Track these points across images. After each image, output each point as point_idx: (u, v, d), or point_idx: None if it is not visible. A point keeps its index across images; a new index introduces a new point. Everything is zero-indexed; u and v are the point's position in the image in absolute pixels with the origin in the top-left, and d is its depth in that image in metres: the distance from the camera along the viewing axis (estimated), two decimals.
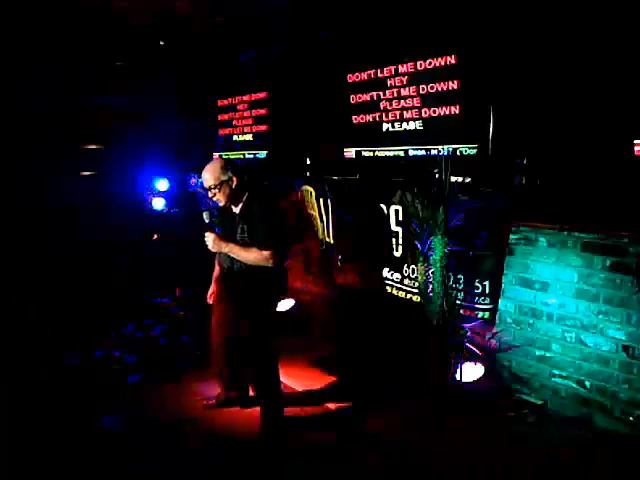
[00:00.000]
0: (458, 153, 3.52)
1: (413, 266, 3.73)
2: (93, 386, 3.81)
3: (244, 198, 3.18)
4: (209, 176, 3.11)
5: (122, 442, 3.10)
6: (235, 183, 3.13)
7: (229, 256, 3.14)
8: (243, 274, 3.12)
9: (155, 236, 6.32)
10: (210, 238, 3.11)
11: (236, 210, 3.20)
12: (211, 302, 3.47)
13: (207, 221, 3.15)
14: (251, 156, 5.59)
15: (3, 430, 3.18)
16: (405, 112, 3.89)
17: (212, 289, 3.48)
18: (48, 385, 3.77)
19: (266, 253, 3.03)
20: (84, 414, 3.40)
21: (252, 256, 3.06)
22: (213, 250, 3.17)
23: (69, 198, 5.92)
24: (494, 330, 3.43)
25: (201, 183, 3.29)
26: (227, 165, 3.17)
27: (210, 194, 3.15)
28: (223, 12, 4.98)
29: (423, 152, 3.80)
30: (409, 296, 3.83)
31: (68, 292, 5.25)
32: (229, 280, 3.25)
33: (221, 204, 3.17)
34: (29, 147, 5.68)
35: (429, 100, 3.71)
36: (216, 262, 3.40)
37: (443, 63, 3.56)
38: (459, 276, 3.46)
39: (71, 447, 3.05)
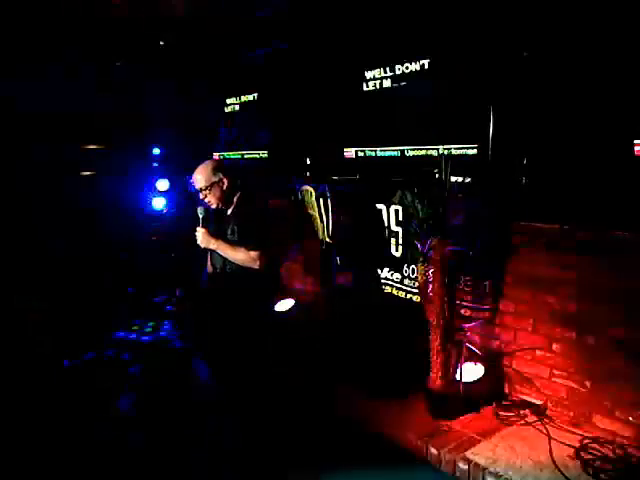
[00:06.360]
0: (458, 153, 3.52)
1: (413, 266, 3.73)
2: (92, 387, 3.81)
3: (236, 199, 3.17)
4: (200, 177, 3.10)
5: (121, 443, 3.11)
6: (226, 185, 3.11)
7: (221, 256, 3.13)
8: (235, 274, 3.10)
9: (154, 236, 6.31)
10: (200, 233, 3.12)
11: (228, 211, 3.19)
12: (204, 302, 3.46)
13: (201, 217, 3.14)
14: (251, 156, 5.58)
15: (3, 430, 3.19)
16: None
17: (203, 290, 3.46)
18: (48, 386, 3.77)
19: (253, 254, 3.01)
20: (84, 415, 3.40)
21: (239, 255, 3.05)
22: (202, 245, 3.16)
23: (68, 198, 5.92)
24: (494, 330, 3.43)
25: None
26: (218, 166, 3.16)
27: (201, 195, 3.13)
28: (223, 13, 4.98)
29: (423, 152, 3.80)
30: (409, 296, 3.82)
31: (68, 292, 5.24)
32: (220, 280, 3.23)
33: (212, 206, 3.16)
34: (29, 147, 5.68)
35: (429, 100, 3.71)
36: (208, 262, 3.37)
37: (443, 63, 3.56)
38: (459, 276, 3.45)
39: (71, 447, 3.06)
